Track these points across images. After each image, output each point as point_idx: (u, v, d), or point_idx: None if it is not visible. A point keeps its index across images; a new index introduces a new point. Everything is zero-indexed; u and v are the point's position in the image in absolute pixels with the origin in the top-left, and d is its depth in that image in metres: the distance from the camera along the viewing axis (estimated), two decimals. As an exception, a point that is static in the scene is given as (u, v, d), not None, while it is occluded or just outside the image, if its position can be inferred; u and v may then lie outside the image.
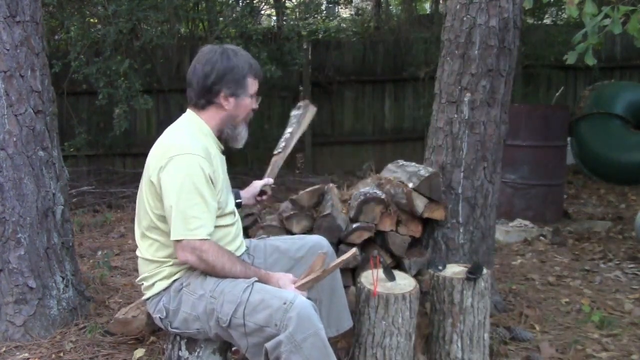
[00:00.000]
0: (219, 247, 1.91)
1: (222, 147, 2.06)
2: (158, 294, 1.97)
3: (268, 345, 1.76)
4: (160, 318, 1.96)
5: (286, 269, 2.12)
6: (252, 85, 1.99)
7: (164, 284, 1.96)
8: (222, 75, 1.93)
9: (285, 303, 1.75)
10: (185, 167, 1.83)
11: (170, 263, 1.95)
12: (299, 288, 1.91)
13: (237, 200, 2.29)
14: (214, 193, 1.89)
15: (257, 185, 2.40)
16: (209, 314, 1.86)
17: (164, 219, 1.91)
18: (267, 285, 1.88)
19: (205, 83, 1.93)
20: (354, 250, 2.04)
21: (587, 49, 2.77)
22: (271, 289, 1.86)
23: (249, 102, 2.00)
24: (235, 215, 2.09)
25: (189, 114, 2.01)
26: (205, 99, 1.96)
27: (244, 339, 1.82)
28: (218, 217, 1.95)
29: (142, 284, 2.02)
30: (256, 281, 1.87)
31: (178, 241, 1.84)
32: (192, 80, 1.96)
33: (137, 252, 2.04)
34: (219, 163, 1.99)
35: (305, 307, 1.76)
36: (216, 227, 1.94)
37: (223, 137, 2.04)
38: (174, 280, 1.96)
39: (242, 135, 2.05)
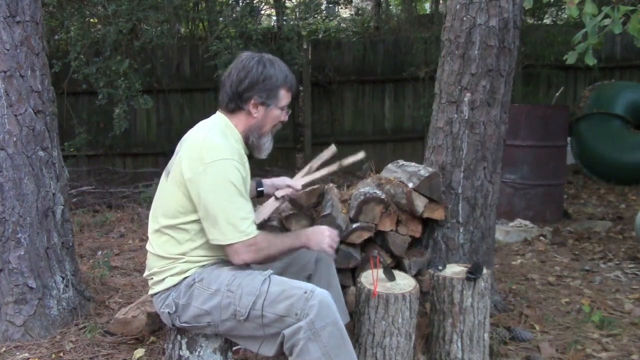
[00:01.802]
0: (264, 233, 1.96)
1: (248, 153, 2.07)
2: (167, 289, 1.97)
3: (286, 331, 1.78)
4: (168, 313, 1.96)
5: (286, 264, 2.16)
6: (285, 97, 2.00)
7: (175, 280, 1.96)
8: (255, 83, 1.94)
9: (306, 292, 1.79)
10: (224, 172, 1.85)
11: (184, 260, 1.96)
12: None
13: (259, 189, 2.33)
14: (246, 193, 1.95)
15: (284, 180, 2.40)
16: (224, 308, 1.87)
17: (189, 216, 1.92)
18: (284, 277, 1.92)
19: (238, 88, 1.95)
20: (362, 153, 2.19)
21: (587, 49, 2.77)
22: (288, 280, 1.89)
23: (277, 114, 2.01)
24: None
25: (220, 116, 2.02)
26: (235, 104, 1.97)
27: (260, 330, 1.84)
28: None
29: (152, 278, 2.02)
30: (272, 273, 1.90)
31: (230, 245, 1.87)
32: (225, 83, 1.99)
33: (148, 247, 2.05)
34: (247, 168, 2.02)
35: (326, 296, 1.80)
36: None
37: (249, 144, 2.04)
38: (185, 277, 1.96)
39: (266, 146, 2.05)
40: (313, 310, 1.76)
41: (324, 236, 2.00)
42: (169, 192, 1.97)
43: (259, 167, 6.69)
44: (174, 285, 1.96)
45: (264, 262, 1.96)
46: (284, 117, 2.04)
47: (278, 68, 1.97)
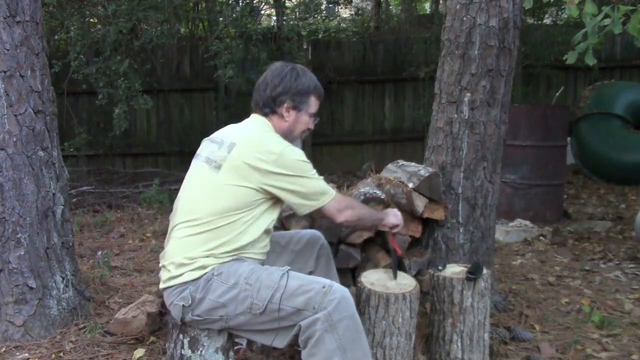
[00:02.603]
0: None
1: None
2: (185, 283, 1.97)
3: (303, 323, 1.81)
4: (182, 305, 1.96)
5: (288, 262, 2.20)
6: (314, 104, 2.14)
7: (195, 274, 1.96)
8: (289, 88, 2.08)
9: (324, 287, 1.84)
10: (295, 154, 2.00)
11: (206, 255, 1.96)
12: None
13: None
14: None
15: None
16: (241, 301, 1.89)
17: (248, 207, 1.97)
18: (301, 274, 1.99)
19: (272, 92, 2.08)
20: None
21: (587, 49, 2.77)
22: (306, 276, 1.97)
23: (307, 120, 2.14)
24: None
25: (260, 118, 2.13)
26: (269, 108, 2.10)
27: (275, 323, 1.87)
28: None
29: (169, 270, 2.00)
30: (290, 269, 1.95)
31: (328, 205, 2.03)
32: (260, 87, 2.12)
33: (174, 234, 2.04)
34: None
35: (345, 291, 1.86)
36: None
37: None
38: (205, 273, 1.96)
39: None
40: (332, 303, 1.80)
41: (399, 218, 2.26)
42: (226, 187, 1.97)
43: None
44: (193, 280, 1.96)
45: (357, 225, 2.28)
46: (311, 125, 2.18)
47: (309, 76, 2.13)
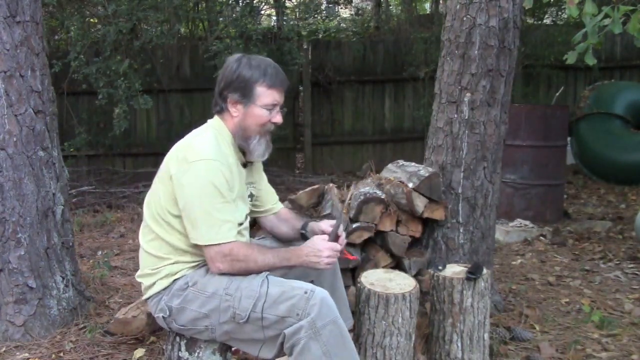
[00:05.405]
0: (245, 243, 1.94)
1: (243, 160, 2.05)
2: (159, 292, 1.97)
3: (287, 331, 1.78)
4: (163, 317, 1.96)
5: (285, 270, 2.12)
6: (265, 95, 1.94)
7: (165, 282, 1.96)
8: (230, 81, 1.95)
9: (306, 292, 1.79)
10: (205, 172, 1.85)
11: (172, 261, 1.96)
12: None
13: (302, 231, 2.18)
14: (233, 197, 1.92)
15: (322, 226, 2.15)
16: (223, 311, 1.86)
17: (172, 216, 1.93)
18: (281, 278, 1.91)
19: (218, 88, 2.00)
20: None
21: (587, 49, 2.77)
22: (286, 280, 1.88)
23: (260, 113, 1.95)
24: (243, 224, 2.06)
25: (214, 119, 2.04)
26: (219, 105, 2.01)
27: (260, 332, 1.84)
28: None
29: (142, 283, 2.02)
30: (269, 274, 1.89)
31: (207, 248, 1.87)
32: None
33: (140, 240, 2.05)
34: (237, 173, 1.98)
35: (326, 295, 1.81)
36: None
37: (238, 146, 2.02)
38: (175, 280, 1.96)
39: (255, 148, 1.99)
40: (314, 309, 1.76)
41: (320, 257, 1.91)
42: (156, 190, 1.99)
43: (259, 167, 6.68)
44: (164, 289, 1.96)
45: (241, 275, 1.89)
46: (276, 118, 1.98)
47: (256, 65, 1.94)
